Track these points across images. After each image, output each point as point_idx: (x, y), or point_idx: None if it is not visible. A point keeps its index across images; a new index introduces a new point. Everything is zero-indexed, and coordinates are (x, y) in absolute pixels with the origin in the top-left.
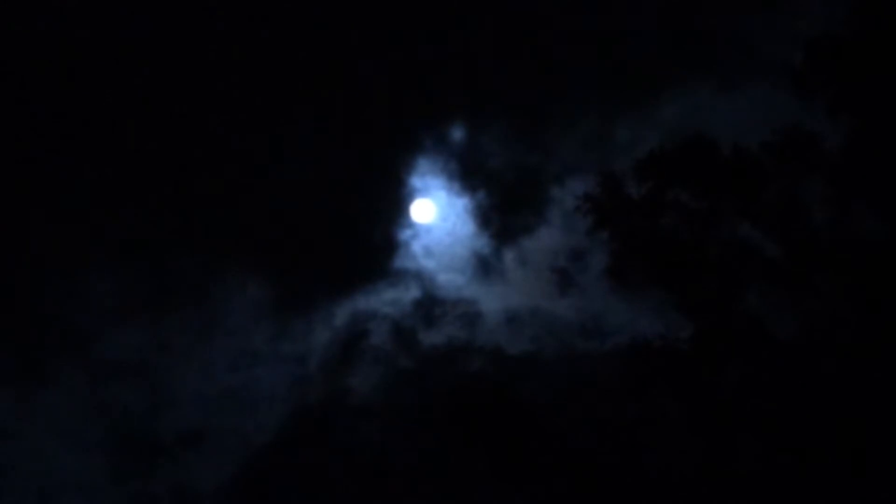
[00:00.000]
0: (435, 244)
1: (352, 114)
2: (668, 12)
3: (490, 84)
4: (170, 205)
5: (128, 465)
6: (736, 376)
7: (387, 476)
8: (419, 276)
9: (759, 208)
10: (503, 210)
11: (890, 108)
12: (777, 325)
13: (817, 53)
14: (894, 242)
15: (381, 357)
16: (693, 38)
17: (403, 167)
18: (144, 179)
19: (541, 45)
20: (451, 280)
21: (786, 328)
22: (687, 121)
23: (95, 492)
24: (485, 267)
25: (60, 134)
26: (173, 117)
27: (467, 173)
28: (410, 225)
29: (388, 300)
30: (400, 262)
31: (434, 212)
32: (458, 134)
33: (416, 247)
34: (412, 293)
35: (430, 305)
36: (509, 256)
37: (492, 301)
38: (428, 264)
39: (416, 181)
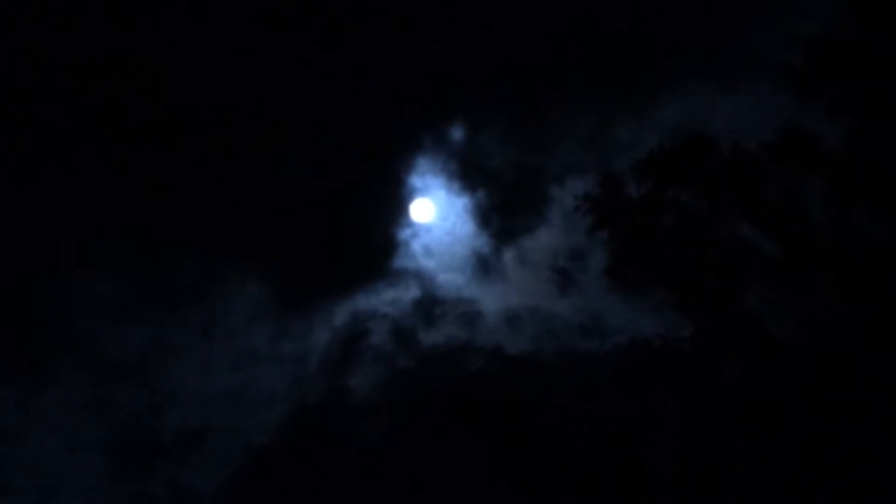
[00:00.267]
0: (435, 244)
1: (351, 113)
2: (667, 12)
3: (490, 84)
4: (170, 205)
5: (128, 465)
6: (735, 375)
7: (387, 476)
8: (419, 275)
9: (759, 208)
10: (503, 210)
11: (889, 108)
12: (776, 325)
13: (817, 54)
14: (893, 242)
15: (381, 357)
16: (693, 38)
17: (403, 167)
18: (144, 179)
19: (540, 45)
20: (451, 280)
21: (785, 327)
22: (687, 121)
23: (95, 491)
24: (484, 266)
25: (61, 134)
26: (173, 117)
27: (467, 173)
28: (410, 224)
29: (388, 300)
30: (400, 261)
31: (434, 211)
32: (457, 133)
33: (416, 246)
34: (412, 293)
35: (430, 305)
36: (509, 256)
37: (492, 301)
38: (428, 264)
39: (415, 181)
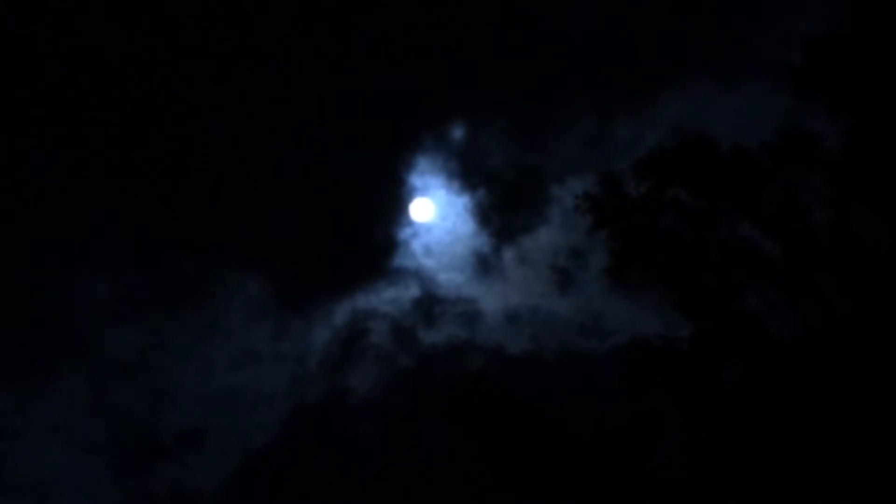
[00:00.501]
0: (435, 243)
1: (351, 112)
2: (667, 12)
3: (490, 83)
4: (170, 205)
5: (128, 465)
6: (735, 375)
7: (387, 475)
8: (419, 274)
9: (759, 208)
10: (503, 209)
11: (889, 107)
12: (776, 324)
13: (816, 53)
14: (893, 241)
15: (381, 356)
16: (693, 38)
17: (403, 166)
18: (144, 179)
19: (541, 44)
20: (451, 279)
21: (785, 327)
22: (686, 120)
23: (96, 491)
24: (485, 266)
25: (61, 134)
26: (173, 117)
27: (467, 172)
28: (410, 224)
29: (388, 299)
30: (400, 260)
31: (434, 210)
32: (457, 133)
33: (416, 245)
34: (412, 292)
35: (430, 304)
36: (509, 255)
37: (492, 300)
38: (428, 263)
39: (415, 180)
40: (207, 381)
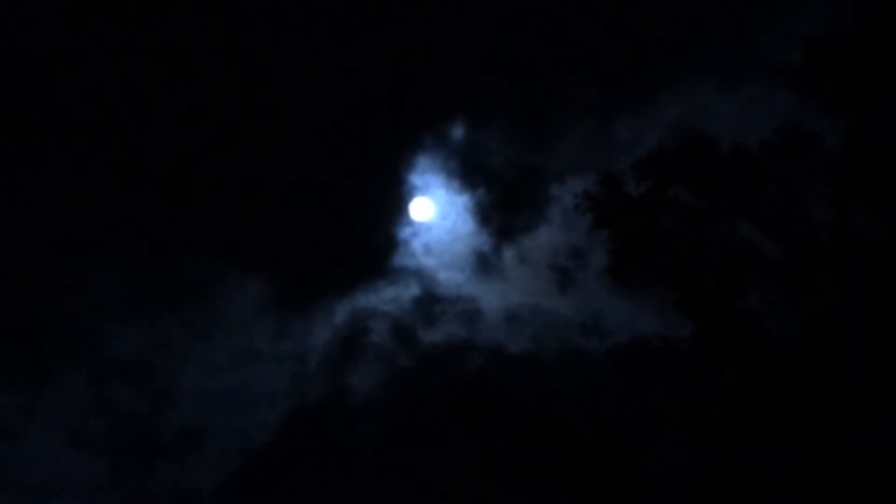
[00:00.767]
0: (435, 242)
1: (351, 111)
2: (667, 11)
3: (490, 82)
4: (170, 204)
5: (128, 464)
6: (735, 375)
7: (387, 474)
8: (419, 274)
9: (759, 207)
10: (503, 208)
11: (889, 107)
12: (776, 324)
13: (817, 53)
14: (893, 241)
15: (381, 355)
16: (693, 38)
17: (403, 165)
18: (145, 179)
19: (541, 43)
20: (451, 278)
21: (785, 327)
22: (686, 120)
23: (95, 490)
24: (485, 265)
25: (61, 133)
26: (173, 116)
27: (467, 171)
28: (410, 223)
29: (388, 298)
30: (400, 260)
31: (434, 210)
32: (457, 132)
33: (416, 245)
34: (412, 291)
35: (430, 303)
36: (509, 254)
37: (492, 299)
38: (428, 262)
39: (415, 179)
40: (207, 381)
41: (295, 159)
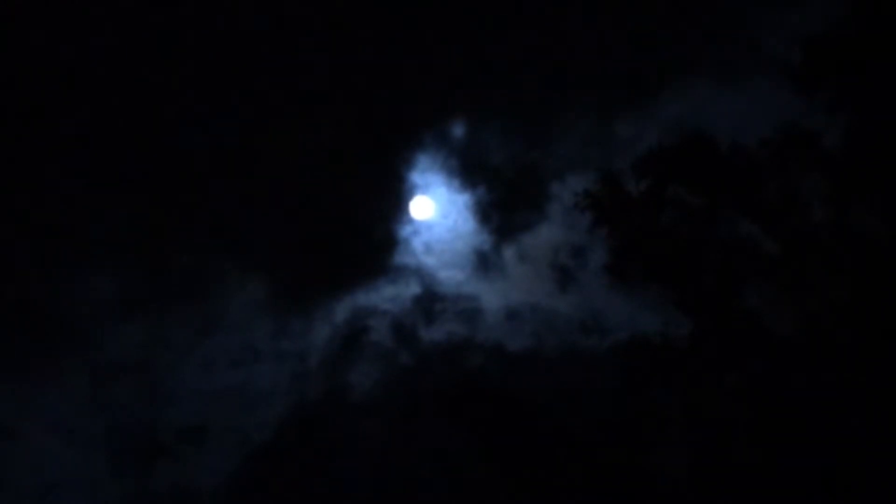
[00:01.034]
0: (435, 240)
1: (351, 110)
2: (667, 10)
3: (490, 80)
4: (170, 202)
5: (128, 462)
6: (735, 373)
7: (387, 473)
8: (419, 272)
9: (758, 205)
10: (503, 206)
11: (889, 105)
12: (776, 322)
13: (816, 51)
14: (893, 239)
15: (381, 353)
16: (693, 36)
17: (403, 164)
18: (144, 178)
19: (541, 42)
20: (452, 276)
21: (784, 325)
22: (686, 118)
23: (96, 488)
24: (485, 263)
25: (61, 132)
26: (174, 116)
27: (467, 170)
28: (410, 221)
29: (389, 296)
30: (400, 258)
31: (434, 208)
32: (458, 130)
33: (417, 243)
34: (412, 289)
35: (431, 302)
36: (509, 253)
37: (492, 297)
38: (428, 261)
39: (416, 177)
40: (207, 379)
41: (295, 158)
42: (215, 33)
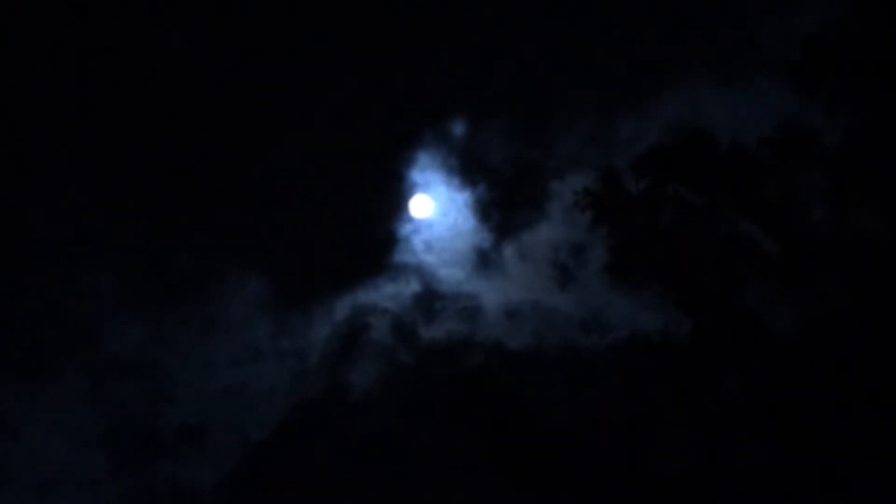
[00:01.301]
0: (435, 239)
1: (352, 109)
2: (668, 9)
3: (490, 79)
4: (170, 202)
5: (127, 461)
6: (734, 372)
7: (387, 471)
8: (419, 270)
9: (758, 204)
10: (503, 205)
11: (888, 104)
12: (775, 321)
13: (817, 50)
14: (893, 238)
15: (382, 352)
16: (693, 35)
17: (404, 162)
18: (145, 177)
19: (541, 41)
20: (452, 274)
21: (784, 324)
22: (686, 117)
23: (95, 486)
24: (485, 261)
25: (61, 132)
26: (174, 115)
27: (467, 168)
28: (411, 220)
29: (389, 295)
30: (400, 256)
31: (434, 206)
32: (458, 129)
33: (417, 241)
34: (412, 288)
35: (431, 300)
36: (509, 251)
37: (492, 295)
38: (428, 259)
39: (416, 176)
40: (208, 378)
41: (295, 156)
42: (215, 33)
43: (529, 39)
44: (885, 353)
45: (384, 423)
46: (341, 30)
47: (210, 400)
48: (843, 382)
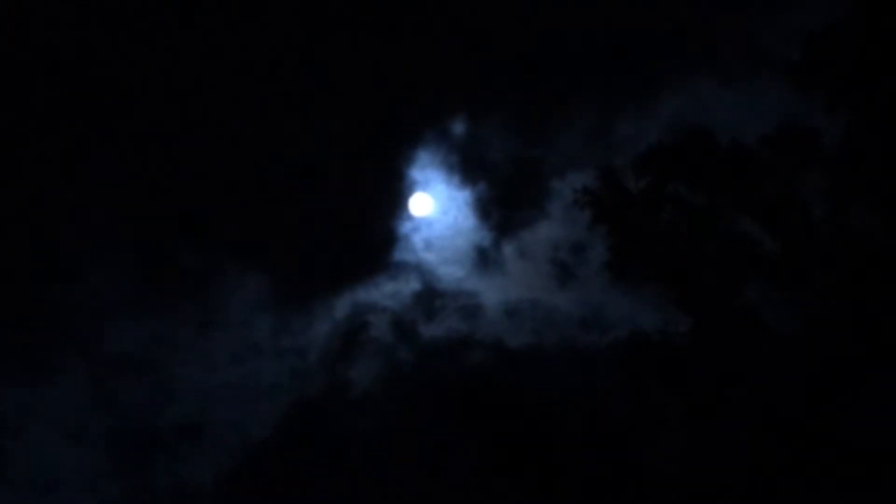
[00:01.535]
0: (435, 237)
1: (351, 107)
2: (668, 7)
3: (491, 77)
4: (170, 199)
5: (128, 458)
6: (733, 370)
7: (387, 469)
8: (419, 268)
9: (758, 203)
10: (503, 203)
11: (888, 103)
12: (775, 320)
13: (816, 49)
14: (892, 237)
15: (381, 350)
16: (693, 33)
17: (403, 160)
18: (145, 175)
19: (541, 39)
20: (452, 273)
21: (784, 322)
22: (686, 115)
23: (95, 484)
24: (485, 260)
25: (62, 131)
26: (172, 112)
27: (467, 166)
28: (410, 218)
29: (389, 293)
30: (400, 254)
31: (434, 205)
32: (458, 127)
33: (417, 239)
34: (412, 286)
35: (431, 298)
36: (509, 249)
37: (492, 294)
38: (428, 257)
39: (416, 174)
40: (207, 376)
41: (295, 154)
42: (215, 32)
43: (529, 38)
44: (884, 351)
45: (384, 421)
46: (341, 29)
47: (210, 397)
48: (842, 381)
